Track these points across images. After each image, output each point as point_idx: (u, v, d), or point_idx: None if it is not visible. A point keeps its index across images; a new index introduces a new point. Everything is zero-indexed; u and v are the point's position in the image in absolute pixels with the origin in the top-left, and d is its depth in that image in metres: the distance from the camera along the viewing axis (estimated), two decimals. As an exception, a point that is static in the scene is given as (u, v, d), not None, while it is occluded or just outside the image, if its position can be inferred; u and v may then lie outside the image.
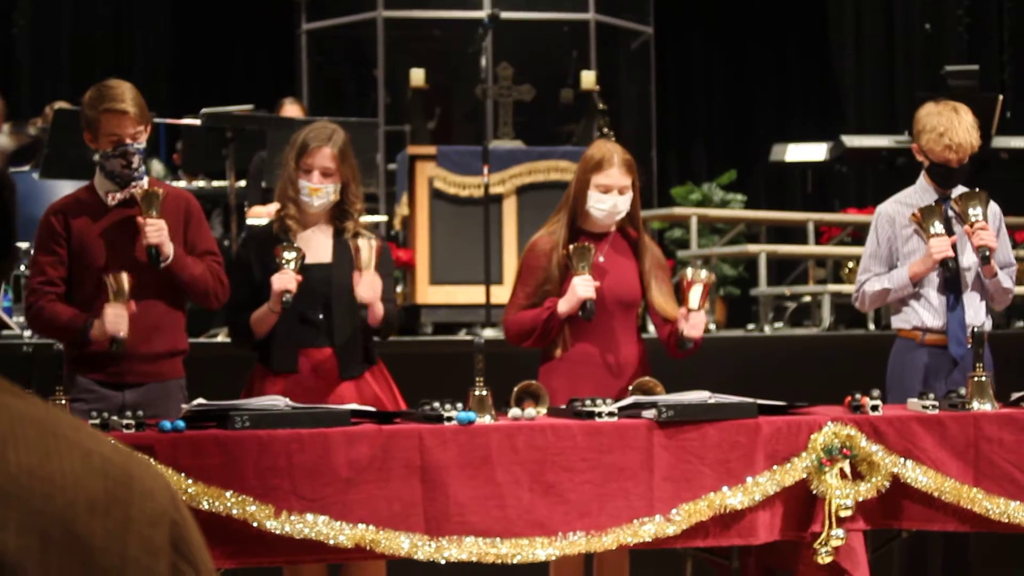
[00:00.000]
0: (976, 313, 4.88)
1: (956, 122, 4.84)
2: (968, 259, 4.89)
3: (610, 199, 4.58)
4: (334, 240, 4.57)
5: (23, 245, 7.29)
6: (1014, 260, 5.09)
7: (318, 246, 4.55)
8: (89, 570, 0.95)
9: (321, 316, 4.48)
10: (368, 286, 4.40)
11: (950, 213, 4.92)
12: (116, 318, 4.25)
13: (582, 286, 4.44)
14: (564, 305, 4.48)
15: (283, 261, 4.38)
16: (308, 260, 4.49)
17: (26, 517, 0.93)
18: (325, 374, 4.46)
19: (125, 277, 4.29)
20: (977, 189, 4.87)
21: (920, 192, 5.00)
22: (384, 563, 4.31)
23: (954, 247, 4.82)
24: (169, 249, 4.35)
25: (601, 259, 4.63)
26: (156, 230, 4.32)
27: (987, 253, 4.74)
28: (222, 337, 6.79)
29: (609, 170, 4.57)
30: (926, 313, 4.90)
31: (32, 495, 0.93)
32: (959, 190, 4.96)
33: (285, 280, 4.36)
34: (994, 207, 5.03)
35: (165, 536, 0.99)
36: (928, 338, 4.90)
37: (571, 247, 4.48)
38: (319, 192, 4.50)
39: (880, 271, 5.00)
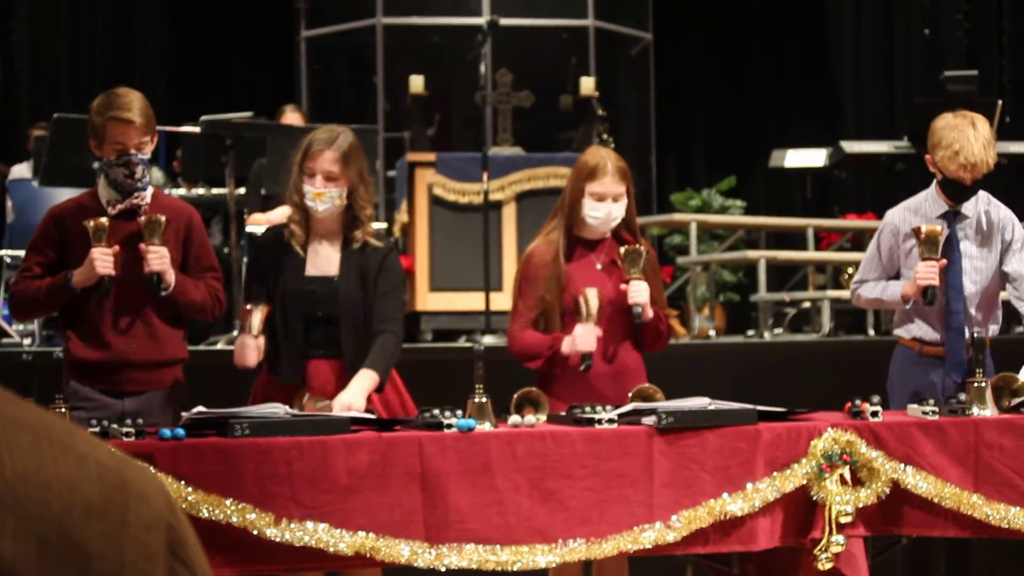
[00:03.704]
0: (979, 331, 4.84)
1: (973, 138, 4.72)
2: (972, 287, 4.86)
3: (604, 207, 4.57)
4: (342, 251, 4.50)
5: (22, 253, 7.29)
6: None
7: (325, 258, 4.49)
8: (86, 575, 0.95)
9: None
10: (155, 258, 4.30)
11: (958, 228, 4.89)
12: (103, 258, 4.26)
13: (582, 338, 4.41)
14: (567, 347, 4.46)
15: (246, 327, 4.30)
16: (314, 272, 4.45)
17: (22, 523, 0.93)
18: (331, 388, 4.41)
19: (105, 220, 4.30)
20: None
21: (930, 202, 4.93)
22: (380, 570, 4.30)
23: (948, 269, 4.78)
24: (171, 277, 4.34)
25: (598, 266, 4.63)
26: (158, 258, 4.31)
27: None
28: (222, 345, 6.79)
29: (603, 178, 4.55)
30: (923, 327, 4.88)
31: (28, 501, 0.93)
32: (980, 204, 4.90)
33: (245, 355, 4.29)
34: (1008, 214, 4.98)
35: (162, 540, 0.99)
36: (927, 349, 4.89)
37: (583, 296, 4.41)
38: (322, 197, 4.42)
39: (874, 276, 4.98)
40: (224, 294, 4.55)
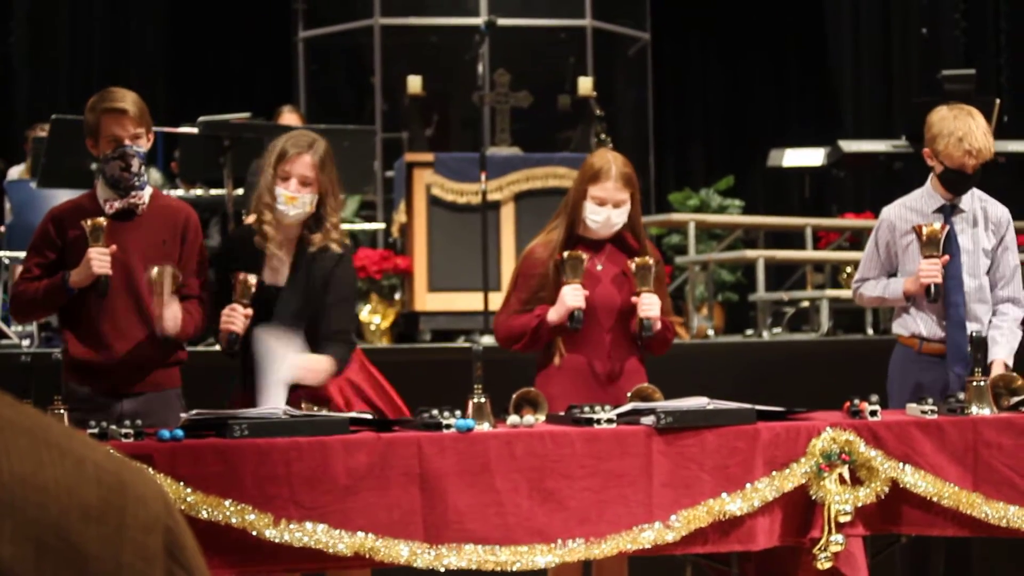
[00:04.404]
0: (978, 325, 4.84)
1: (973, 126, 4.76)
2: (971, 280, 4.86)
3: (604, 212, 4.56)
4: (294, 258, 4.44)
5: (20, 254, 7.29)
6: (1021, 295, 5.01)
7: (278, 266, 4.46)
8: (84, 578, 0.95)
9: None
10: (302, 374, 4.27)
11: (954, 221, 4.89)
12: (100, 257, 4.25)
13: (571, 295, 4.42)
14: (554, 314, 4.47)
15: (237, 297, 4.29)
16: (267, 280, 4.41)
17: (20, 526, 0.93)
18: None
19: (103, 220, 4.28)
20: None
21: (927, 197, 4.95)
22: (369, 571, 4.30)
23: (947, 262, 4.78)
24: (172, 326, 4.30)
25: (599, 267, 4.62)
26: (173, 319, 4.28)
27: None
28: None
29: (605, 183, 4.54)
30: (923, 322, 4.88)
31: (26, 504, 0.93)
32: (975, 199, 4.90)
33: (232, 319, 4.28)
34: (1004, 212, 4.99)
35: (160, 542, 0.99)
36: (925, 347, 4.88)
37: (564, 255, 4.46)
38: (295, 201, 4.37)
39: (875, 276, 4.99)
40: (208, 310, 4.52)
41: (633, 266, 4.52)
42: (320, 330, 4.38)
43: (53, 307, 4.51)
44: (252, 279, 4.30)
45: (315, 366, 4.29)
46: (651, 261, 4.52)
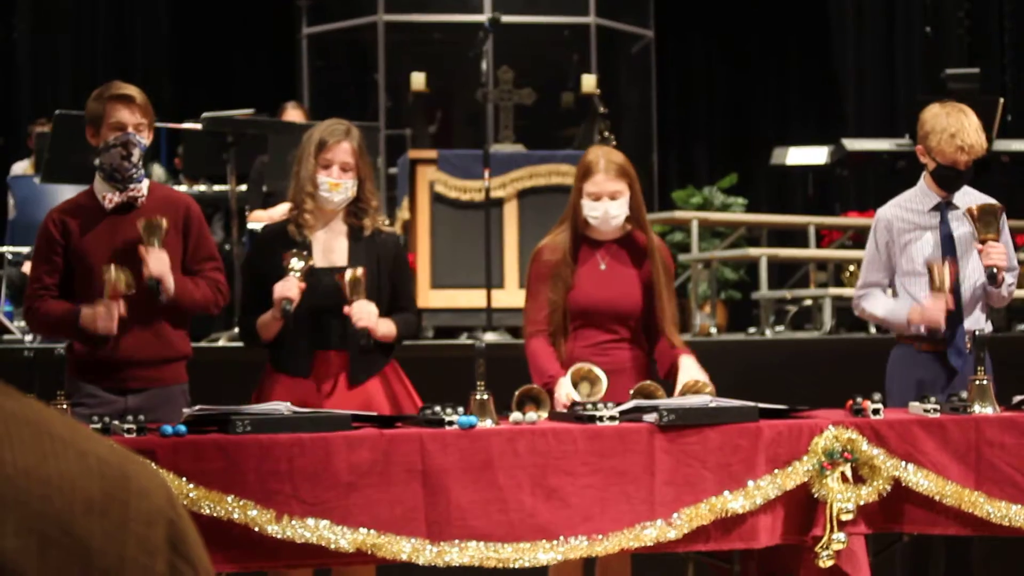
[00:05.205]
0: (976, 320, 4.86)
1: (966, 123, 4.78)
2: (970, 276, 4.86)
3: (601, 206, 4.55)
4: (350, 242, 4.52)
5: (23, 249, 7.31)
6: (1016, 264, 5.04)
7: (333, 248, 4.51)
8: (87, 570, 0.95)
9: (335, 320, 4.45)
10: (361, 314, 4.34)
11: (949, 218, 4.90)
12: (106, 318, 4.25)
13: (565, 398, 4.38)
14: (559, 391, 4.43)
15: (289, 268, 4.34)
16: (322, 263, 4.46)
17: (24, 519, 0.93)
18: (337, 378, 4.42)
19: (113, 270, 4.23)
20: (992, 202, 4.81)
21: (921, 196, 4.96)
22: (373, 568, 4.30)
23: (955, 263, 4.80)
24: (170, 283, 4.31)
25: (602, 267, 4.62)
26: (158, 262, 4.30)
27: (995, 271, 4.69)
28: (224, 342, 6.79)
29: (596, 176, 4.54)
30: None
31: (30, 497, 0.93)
32: (967, 197, 4.92)
33: (287, 287, 4.32)
34: (998, 208, 5.00)
35: (162, 535, 1.00)
36: (925, 345, 4.88)
37: (580, 371, 4.41)
38: (339, 188, 4.45)
39: (879, 277, 4.98)
40: (226, 285, 4.54)
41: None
42: (393, 305, 4.53)
43: (65, 337, 4.49)
44: (306, 258, 4.37)
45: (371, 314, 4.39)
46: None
